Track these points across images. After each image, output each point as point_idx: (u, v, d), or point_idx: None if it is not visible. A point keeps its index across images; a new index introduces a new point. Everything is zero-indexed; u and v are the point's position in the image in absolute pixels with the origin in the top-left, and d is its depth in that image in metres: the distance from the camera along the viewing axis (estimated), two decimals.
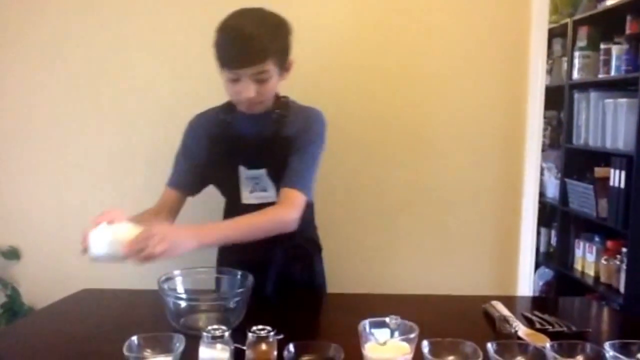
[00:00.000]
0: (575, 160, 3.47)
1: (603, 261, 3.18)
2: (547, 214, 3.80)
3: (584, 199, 3.30)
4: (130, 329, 1.22)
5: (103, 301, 1.61)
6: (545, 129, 3.61)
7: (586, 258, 3.38)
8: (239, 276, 1.50)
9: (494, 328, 1.39)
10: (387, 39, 2.12)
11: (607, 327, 1.64)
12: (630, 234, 2.87)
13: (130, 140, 2.12)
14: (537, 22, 2.12)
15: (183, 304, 1.40)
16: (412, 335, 1.17)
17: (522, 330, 1.35)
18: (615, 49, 3.04)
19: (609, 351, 1.14)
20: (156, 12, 2.08)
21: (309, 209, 1.80)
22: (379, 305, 1.32)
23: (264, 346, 1.15)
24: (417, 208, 2.20)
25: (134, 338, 1.21)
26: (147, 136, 2.04)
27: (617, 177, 2.98)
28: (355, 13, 2.10)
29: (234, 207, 1.65)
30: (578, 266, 3.46)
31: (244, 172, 1.61)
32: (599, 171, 3.17)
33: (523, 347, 1.20)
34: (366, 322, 1.20)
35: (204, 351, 1.16)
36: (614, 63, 3.05)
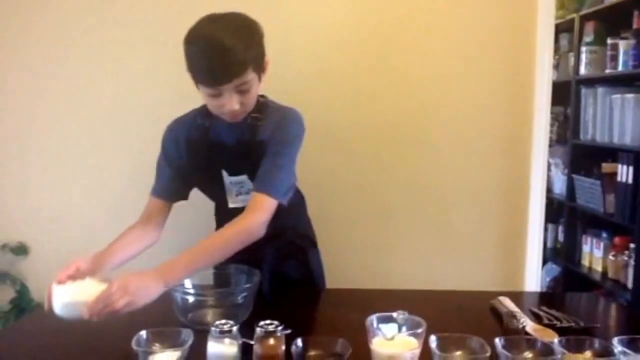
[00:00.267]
0: (582, 156, 3.45)
1: (610, 257, 3.17)
2: (554, 210, 3.78)
3: (591, 195, 3.29)
4: (138, 324, 1.23)
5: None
6: (552, 125, 3.59)
7: (593, 254, 3.37)
8: (246, 272, 1.51)
9: (502, 324, 1.39)
10: (391, 36, 2.11)
11: (615, 323, 1.63)
12: (637, 229, 2.86)
13: (138, 135, 2.12)
14: (544, 18, 2.11)
15: (191, 299, 1.41)
16: (419, 330, 1.17)
17: (529, 325, 1.35)
18: (622, 44, 3.02)
19: (617, 347, 1.14)
20: (157, 12, 2.09)
21: (300, 204, 1.80)
22: (384, 301, 1.33)
23: (272, 341, 1.16)
24: (423, 204, 2.19)
25: (143, 333, 1.22)
26: (154, 130, 2.04)
27: (624, 173, 2.97)
28: (358, 10, 2.10)
29: (223, 211, 1.64)
30: (585, 262, 3.45)
31: (227, 177, 1.59)
32: (606, 167, 3.16)
33: (531, 342, 1.20)
34: (374, 317, 1.21)
35: (212, 345, 1.16)
36: (621, 58, 3.03)
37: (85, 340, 1.34)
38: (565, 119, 3.77)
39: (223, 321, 1.18)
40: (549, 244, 3.86)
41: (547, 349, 1.16)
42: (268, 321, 1.18)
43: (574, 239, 3.57)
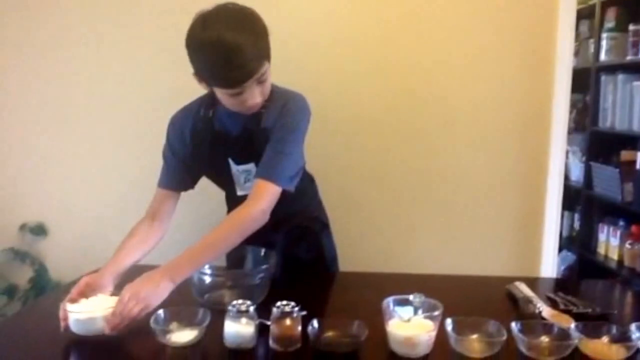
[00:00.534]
0: (600, 143, 3.41)
1: (627, 245, 3.15)
2: (571, 197, 3.75)
3: (609, 183, 3.26)
4: None
5: (129, 276, 1.63)
6: (570, 112, 3.55)
7: (610, 242, 3.34)
8: (262, 253, 1.52)
9: (517, 308, 1.39)
10: (413, 20, 2.10)
11: (631, 310, 1.62)
12: None
13: (152, 124, 2.12)
14: (565, 4, 2.09)
15: (208, 279, 1.42)
16: (436, 313, 1.17)
17: (546, 310, 1.35)
18: None
19: (635, 332, 1.14)
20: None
21: (310, 187, 1.79)
22: (399, 285, 1.32)
23: (288, 321, 1.17)
24: (439, 189, 2.19)
25: (161, 312, 1.24)
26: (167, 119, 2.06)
27: None
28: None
29: (232, 198, 1.64)
30: (601, 250, 3.43)
31: (234, 166, 1.59)
32: (625, 154, 3.13)
33: (547, 327, 1.20)
34: (390, 300, 1.21)
35: (229, 325, 1.17)
36: None
37: None
38: (583, 107, 3.73)
39: (240, 301, 1.19)
40: (564, 232, 3.83)
41: (564, 334, 1.16)
42: (285, 302, 1.19)
43: (590, 227, 3.54)
